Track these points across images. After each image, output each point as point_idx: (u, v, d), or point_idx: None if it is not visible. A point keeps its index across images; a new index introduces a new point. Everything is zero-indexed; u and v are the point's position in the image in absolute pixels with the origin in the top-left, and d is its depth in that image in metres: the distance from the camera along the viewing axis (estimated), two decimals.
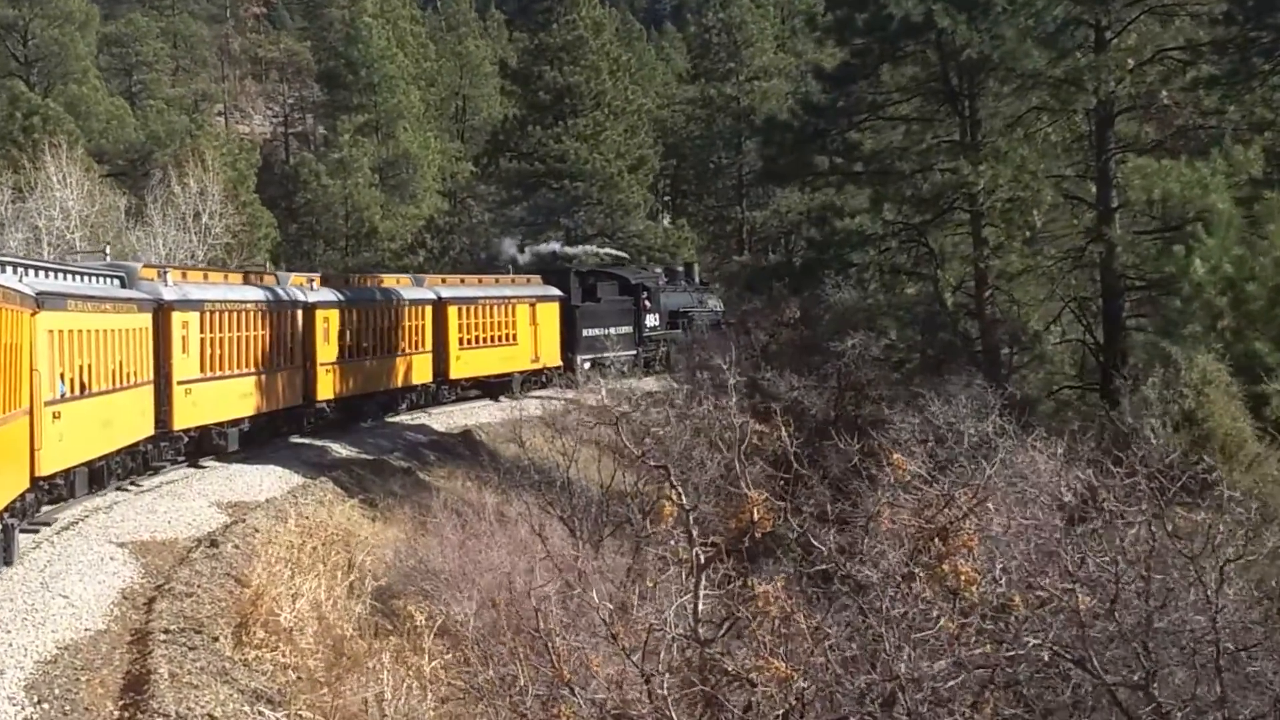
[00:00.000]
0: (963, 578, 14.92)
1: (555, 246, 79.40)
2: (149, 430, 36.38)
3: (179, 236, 63.43)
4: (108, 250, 53.86)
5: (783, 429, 18.72)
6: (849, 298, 44.58)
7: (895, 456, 16.82)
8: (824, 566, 16.58)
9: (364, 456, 42.94)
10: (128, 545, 27.66)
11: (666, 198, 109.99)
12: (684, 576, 17.08)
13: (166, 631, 20.39)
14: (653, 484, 28.03)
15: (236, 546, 28.06)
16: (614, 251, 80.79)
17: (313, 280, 48.54)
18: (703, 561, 16.38)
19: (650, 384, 53.03)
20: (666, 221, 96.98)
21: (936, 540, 15.41)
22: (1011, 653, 14.35)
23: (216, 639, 20.64)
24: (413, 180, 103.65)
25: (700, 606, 16.22)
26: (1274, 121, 38.70)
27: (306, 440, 44.41)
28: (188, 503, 32.91)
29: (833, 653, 15.11)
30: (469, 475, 41.41)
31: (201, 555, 26.87)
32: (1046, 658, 14.36)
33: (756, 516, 15.73)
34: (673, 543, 17.18)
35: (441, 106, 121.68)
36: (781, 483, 20.09)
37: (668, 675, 15.54)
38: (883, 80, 44.34)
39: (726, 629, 16.15)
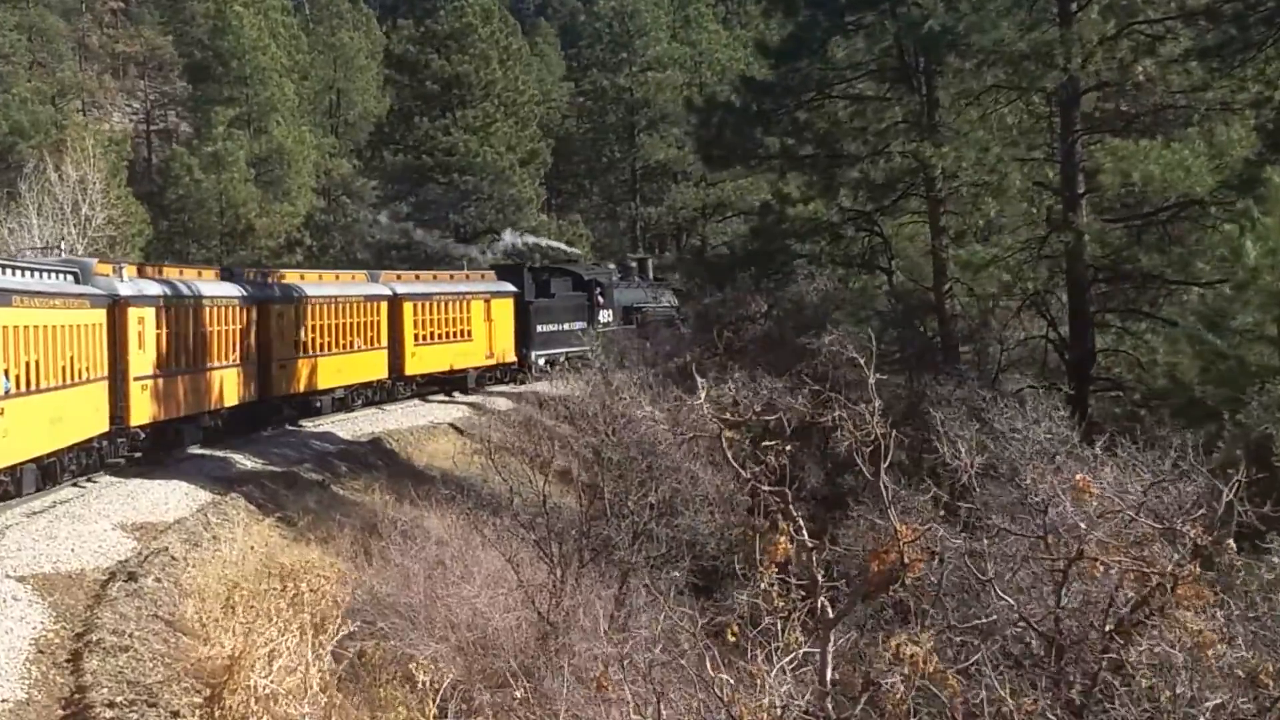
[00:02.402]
0: (1199, 638, 11.42)
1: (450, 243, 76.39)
2: (104, 426, 35.82)
3: (56, 228, 59.27)
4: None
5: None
6: (796, 291, 41.74)
7: (1078, 476, 13.19)
8: (985, 620, 13.02)
9: (272, 469, 39.11)
10: (28, 580, 23.52)
11: (544, 197, 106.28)
12: (783, 631, 13.44)
13: (111, 705, 16.15)
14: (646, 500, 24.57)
15: (158, 580, 23.98)
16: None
17: (267, 275, 49.06)
18: (832, 616, 12.75)
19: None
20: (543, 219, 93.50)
21: (1162, 589, 11.90)
22: None
23: (177, 714, 16.51)
24: (287, 176, 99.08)
25: (830, 674, 12.59)
26: (1271, 97, 35.78)
27: (206, 451, 40.62)
28: (89, 525, 28.79)
29: None
30: (387, 488, 38.04)
31: (121, 593, 22.74)
32: None
33: (906, 559, 12.14)
34: (764, 586, 13.44)
35: (315, 100, 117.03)
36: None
37: None
38: (832, 56, 41.17)
39: (864, 701, 12.52)
